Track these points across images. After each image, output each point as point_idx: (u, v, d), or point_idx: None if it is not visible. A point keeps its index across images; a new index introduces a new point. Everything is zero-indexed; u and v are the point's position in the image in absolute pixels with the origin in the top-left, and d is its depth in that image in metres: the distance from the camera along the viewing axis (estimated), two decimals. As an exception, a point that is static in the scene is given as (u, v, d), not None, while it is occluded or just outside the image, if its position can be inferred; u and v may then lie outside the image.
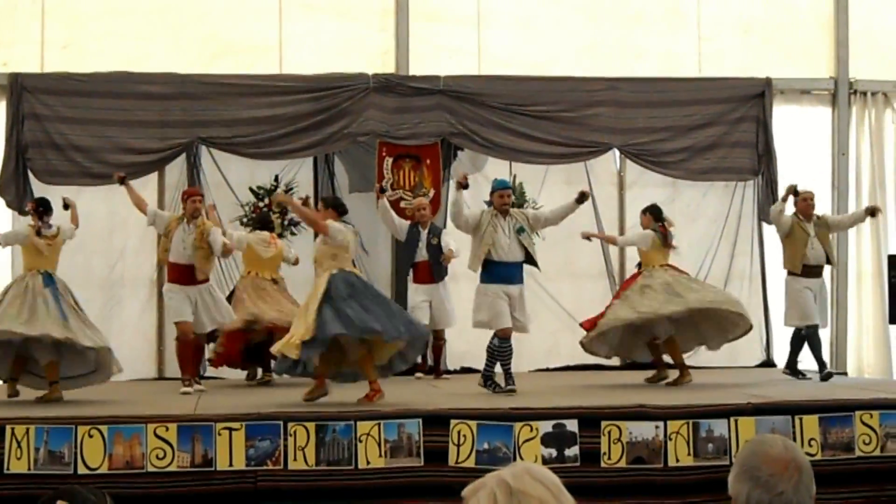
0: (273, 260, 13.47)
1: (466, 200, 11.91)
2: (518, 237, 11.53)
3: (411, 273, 13.86)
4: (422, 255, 13.62)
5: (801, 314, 13.00)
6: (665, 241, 12.79)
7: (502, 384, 11.36)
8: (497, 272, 11.44)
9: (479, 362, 14.40)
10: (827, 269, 13.55)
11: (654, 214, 12.98)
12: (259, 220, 13.97)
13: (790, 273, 13.14)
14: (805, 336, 13.05)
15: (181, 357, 12.26)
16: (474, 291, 11.79)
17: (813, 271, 13.04)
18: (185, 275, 12.15)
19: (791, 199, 13.06)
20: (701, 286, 12.96)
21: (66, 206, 12.19)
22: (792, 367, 13.20)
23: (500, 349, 11.48)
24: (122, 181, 12.37)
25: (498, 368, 11.52)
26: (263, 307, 12.95)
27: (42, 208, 11.74)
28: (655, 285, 12.48)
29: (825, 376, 12.91)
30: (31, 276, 11.39)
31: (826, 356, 13.70)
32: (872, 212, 13.30)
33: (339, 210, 11.10)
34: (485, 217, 11.59)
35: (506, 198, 11.74)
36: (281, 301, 13.15)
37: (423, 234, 13.68)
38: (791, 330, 13.30)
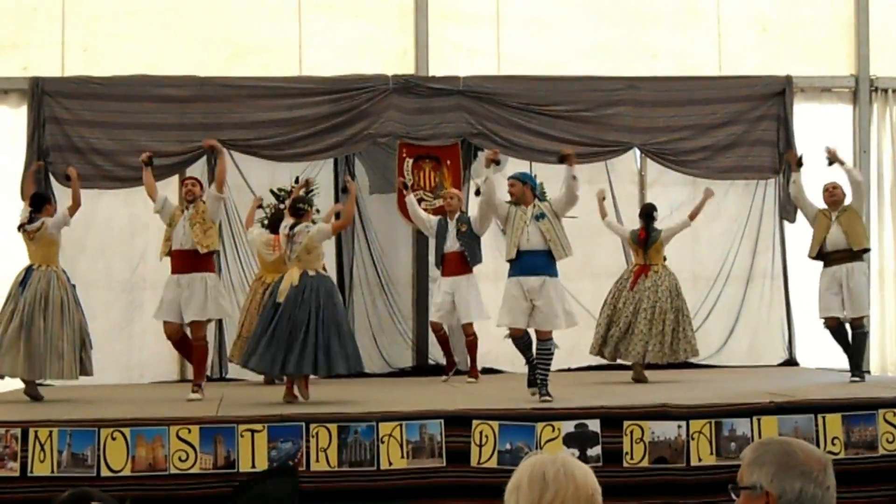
0: (277, 262, 13.33)
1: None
2: (538, 224, 11.12)
3: (441, 266, 13.70)
4: (452, 246, 13.50)
5: (824, 304, 12.63)
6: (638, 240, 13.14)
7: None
8: (518, 263, 11.13)
9: (502, 363, 14.49)
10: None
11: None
12: (273, 221, 13.78)
13: (815, 259, 12.80)
14: (833, 327, 12.61)
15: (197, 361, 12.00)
16: (498, 290, 11.70)
17: (834, 257, 12.55)
18: (184, 261, 11.74)
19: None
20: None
21: (67, 178, 12.20)
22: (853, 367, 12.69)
23: (515, 345, 11.23)
24: (149, 161, 12.11)
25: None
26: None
27: (33, 204, 11.86)
28: None
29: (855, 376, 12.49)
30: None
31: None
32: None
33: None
34: (512, 206, 11.31)
35: (509, 188, 11.46)
36: None
37: (452, 224, 13.59)
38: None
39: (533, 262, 10.94)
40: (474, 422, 9.28)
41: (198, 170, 14.72)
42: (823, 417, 9.63)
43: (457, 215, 13.56)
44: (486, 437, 9.25)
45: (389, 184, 14.92)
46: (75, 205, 11.95)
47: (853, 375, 12.47)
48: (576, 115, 15.28)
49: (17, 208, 14.18)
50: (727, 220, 15.32)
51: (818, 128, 15.73)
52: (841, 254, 12.53)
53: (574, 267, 15.13)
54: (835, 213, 12.58)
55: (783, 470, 3.53)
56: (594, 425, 9.37)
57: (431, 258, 14.75)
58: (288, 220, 11.25)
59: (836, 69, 15.90)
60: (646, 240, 13.01)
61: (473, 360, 13.65)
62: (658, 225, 13.24)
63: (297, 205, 11.32)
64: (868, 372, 15.08)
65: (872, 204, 15.67)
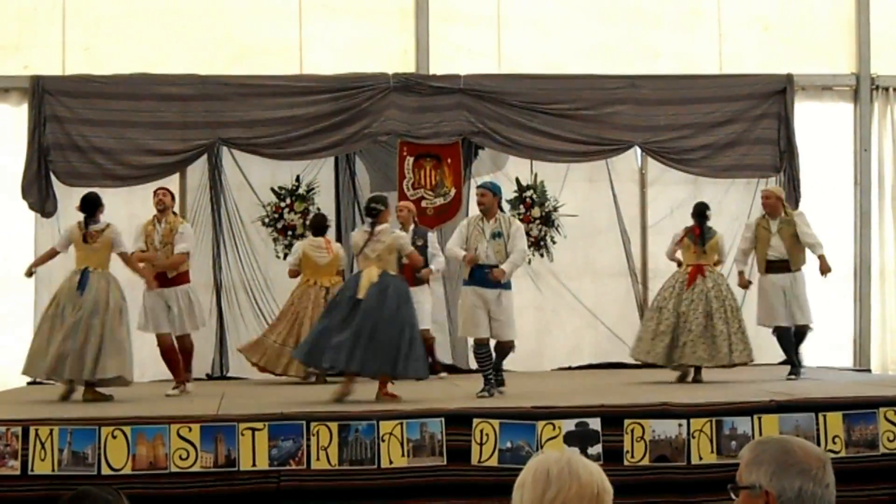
0: (330, 266, 13.33)
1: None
2: (493, 242, 11.29)
3: None
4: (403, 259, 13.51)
5: (772, 314, 12.85)
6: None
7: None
8: (475, 275, 11.29)
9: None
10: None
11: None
12: (314, 224, 13.74)
13: (760, 272, 12.99)
14: (783, 333, 12.88)
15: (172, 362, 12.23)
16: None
17: (777, 266, 12.78)
18: (162, 278, 12.05)
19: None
20: None
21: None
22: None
23: (475, 354, 11.52)
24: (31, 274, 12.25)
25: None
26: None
27: (86, 209, 11.66)
28: None
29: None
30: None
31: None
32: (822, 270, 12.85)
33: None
34: (470, 225, 11.41)
35: (479, 197, 11.58)
36: None
37: (408, 237, 13.62)
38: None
39: (487, 276, 11.14)
40: (475, 420, 9.28)
41: (198, 168, 14.74)
42: (824, 416, 9.63)
43: (412, 228, 13.52)
44: (487, 435, 9.25)
45: (390, 182, 14.92)
46: (133, 264, 11.99)
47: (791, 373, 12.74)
48: (577, 114, 15.28)
49: (18, 207, 14.25)
50: (728, 219, 15.27)
51: (819, 126, 15.75)
52: (783, 263, 12.79)
53: (575, 267, 15.22)
54: (774, 225, 12.82)
55: (782, 469, 3.53)
56: (595, 424, 9.37)
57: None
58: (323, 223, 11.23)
59: (837, 68, 15.90)
60: (701, 237, 12.72)
61: (433, 361, 13.63)
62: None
63: (371, 205, 11.18)
64: (869, 370, 15.12)
65: (873, 203, 15.68)
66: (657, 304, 12.77)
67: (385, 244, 10.87)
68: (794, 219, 12.87)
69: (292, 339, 13.03)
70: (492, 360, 11.29)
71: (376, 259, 10.83)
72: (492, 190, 11.46)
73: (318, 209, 14.52)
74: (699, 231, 12.75)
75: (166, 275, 12.08)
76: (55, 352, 11.11)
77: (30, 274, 12.14)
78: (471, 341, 11.86)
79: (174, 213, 12.34)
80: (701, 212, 12.90)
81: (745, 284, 13.06)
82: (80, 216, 11.71)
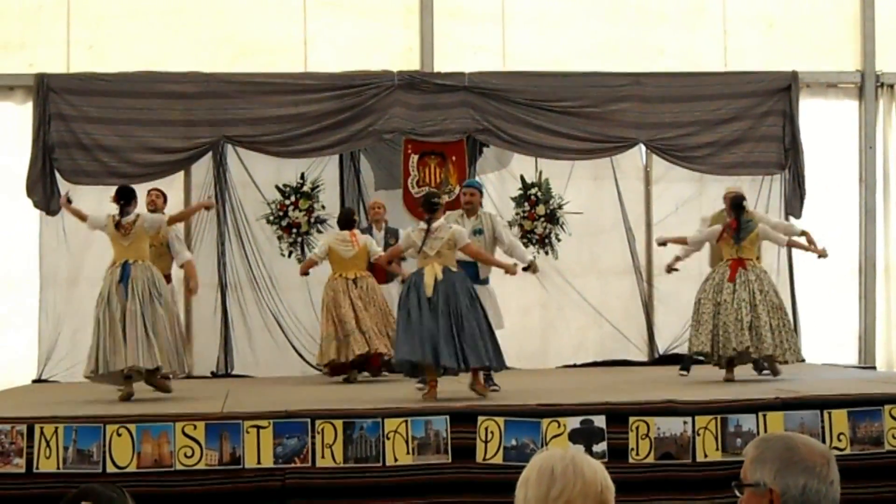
0: (357, 259, 13.22)
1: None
2: (474, 238, 11.37)
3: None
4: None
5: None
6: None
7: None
8: None
9: (508, 359, 14.45)
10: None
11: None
12: (341, 218, 13.51)
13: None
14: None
15: None
16: (497, 289, 11.80)
17: None
18: None
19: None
20: None
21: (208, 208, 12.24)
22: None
23: None
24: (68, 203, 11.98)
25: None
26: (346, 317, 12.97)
27: (123, 197, 11.40)
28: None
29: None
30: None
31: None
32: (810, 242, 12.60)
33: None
34: (450, 221, 11.46)
35: (468, 196, 11.66)
36: (359, 308, 13.04)
37: (379, 235, 13.64)
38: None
39: (465, 272, 11.15)
40: (480, 418, 9.27)
41: (203, 166, 14.75)
42: (829, 413, 9.62)
43: (384, 227, 13.54)
44: (492, 433, 9.25)
45: (395, 180, 14.93)
46: (177, 219, 11.92)
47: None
48: (581, 111, 15.26)
49: (23, 205, 14.26)
50: (732, 216, 15.30)
51: (824, 123, 15.74)
52: None
53: (579, 264, 15.21)
54: None
55: (786, 466, 3.53)
56: (600, 421, 9.36)
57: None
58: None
59: (842, 65, 15.89)
60: (738, 230, 12.17)
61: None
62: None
63: (431, 199, 11.07)
64: (874, 367, 15.12)
65: (878, 200, 15.67)
66: (697, 296, 12.34)
67: (444, 240, 10.83)
68: (755, 219, 12.46)
69: (333, 330, 13.05)
70: None
71: (436, 256, 10.76)
72: (480, 190, 11.59)
73: (323, 207, 14.52)
74: (736, 225, 12.22)
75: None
76: (116, 350, 10.87)
77: (67, 202, 11.77)
78: None
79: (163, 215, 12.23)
80: (738, 204, 12.32)
81: (670, 269, 12.82)
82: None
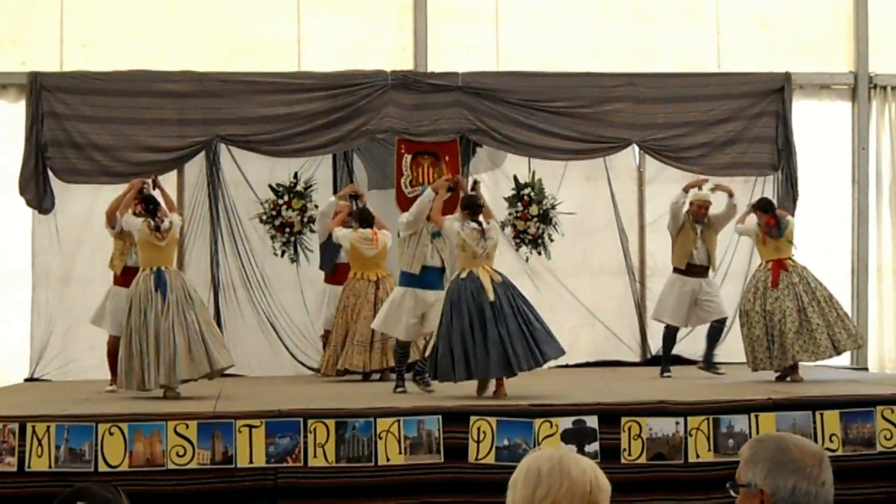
0: (377, 258, 13.21)
1: (486, 199, 11.89)
2: (433, 242, 11.42)
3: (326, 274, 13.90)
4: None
5: (671, 313, 13.19)
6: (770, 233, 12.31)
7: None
8: (418, 278, 11.52)
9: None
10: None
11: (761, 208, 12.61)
12: (359, 217, 13.40)
13: (675, 270, 13.19)
14: (672, 332, 13.31)
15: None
16: None
17: (696, 270, 13.08)
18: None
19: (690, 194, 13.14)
20: None
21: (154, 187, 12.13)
22: (707, 362, 13.20)
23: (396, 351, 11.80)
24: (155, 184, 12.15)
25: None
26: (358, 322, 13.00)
27: (149, 204, 11.49)
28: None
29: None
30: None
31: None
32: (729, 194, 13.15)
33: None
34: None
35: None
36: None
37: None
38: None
39: (427, 278, 11.44)
40: (472, 418, 9.28)
41: (196, 165, 14.73)
42: (821, 414, 9.64)
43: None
44: (484, 433, 9.26)
45: (388, 180, 14.92)
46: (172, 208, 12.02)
47: (709, 368, 13.07)
48: (575, 112, 15.25)
49: (16, 204, 14.23)
50: (726, 217, 15.31)
51: (817, 125, 15.75)
52: (704, 269, 13.13)
53: (572, 264, 15.21)
54: (699, 228, 13.05)
55: (776, 467, 3.53)
56: (592, 422, 9.38)
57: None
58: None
59: (835, 66, 15.89)
60: (778, 227, 12.23)
61: None
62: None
63: (475, 201, 11.10)
64: (866, 369, 15.13)
65: (871, 201, 15.68)
66: (743, 308, 12.34)
67: (494, 240, 10.86)
68: (711, 220, 13.17)
69: (342, 339, 13.09)
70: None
71: (486, 257, 10.79)
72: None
73: (316, 206, 14.51)
74: (774, 220, 12.26)
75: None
76: (154, 360, 10.84)
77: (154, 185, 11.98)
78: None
79: None
80: (769, 203, 12.68)
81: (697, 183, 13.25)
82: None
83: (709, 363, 13.15)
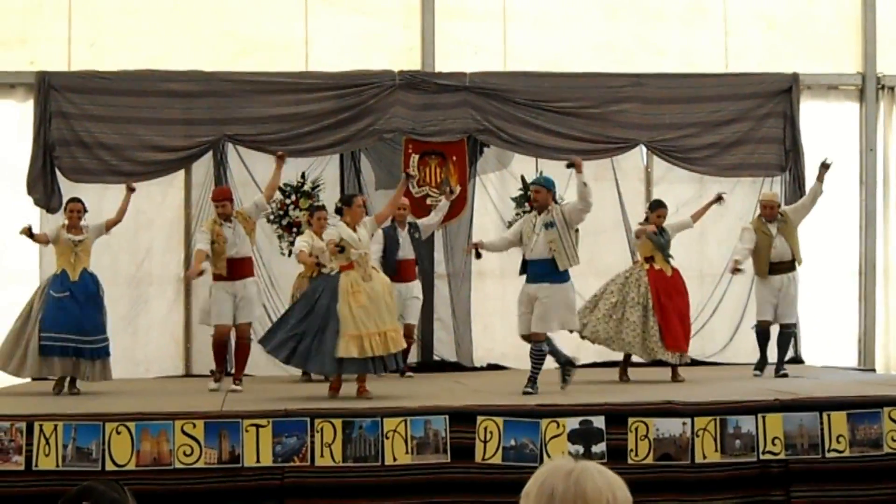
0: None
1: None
2: (546, 232, 11.31)
3: (395, 273, 13.84)
4: (407, 254, 13.55)
5: (758, 309, 13.20)
6: None
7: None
8: (527, 273, 11.45)
9: (508, 359, 14.50)
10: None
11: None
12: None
13: (758, 275, 13.19)
14: (763, 329, 13.20)
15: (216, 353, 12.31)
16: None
17: (779, 268, 12.96)
18: (242, 268, 12.27)
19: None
20: None
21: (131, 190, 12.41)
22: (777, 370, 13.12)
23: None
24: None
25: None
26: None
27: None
28: None
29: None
30: None
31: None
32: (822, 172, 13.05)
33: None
34: (525, 222, 11.56)
35: (533, 194, 11.65)
36: None
37: (404, 233, 13.60)
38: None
39: (535, 271, 11.33)
40: (479, 418, 9.28)
41: (203, 164, 14.73)
42: (828, 415, 9.63)
43: (406, 225, 13.57)
44: (491, 433, 9.26)
45: (395, 179, 14.89)
46: (117, 219, 12.38)
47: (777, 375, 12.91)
48: (582, 112, 15.26)
49: (24, 203, 14.24)
50: (733, 218, 15.25)
51: (825, 125, 15.73)
52: (787, 264, 12.99)
53: (579, 265, 15.15)
54: (773, 227, 12.97)
55: None
56: (599, 422, 9.38)
57: (437, 255, 14.78)
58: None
59: (843, 67, 15.88)
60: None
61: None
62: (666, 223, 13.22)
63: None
64: (873, 370, 15.11)
65: (878, 202, 15.67)
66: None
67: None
68: (788, 216, 13.07)
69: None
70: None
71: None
72: (545, 186, 11.50)
73: (323, 206, 14.51)
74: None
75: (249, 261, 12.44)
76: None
77: (199, 274, 12.18)
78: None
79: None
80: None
81: (735, 270, 13.07)
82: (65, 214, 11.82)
83: (778, 370, 12.97)
